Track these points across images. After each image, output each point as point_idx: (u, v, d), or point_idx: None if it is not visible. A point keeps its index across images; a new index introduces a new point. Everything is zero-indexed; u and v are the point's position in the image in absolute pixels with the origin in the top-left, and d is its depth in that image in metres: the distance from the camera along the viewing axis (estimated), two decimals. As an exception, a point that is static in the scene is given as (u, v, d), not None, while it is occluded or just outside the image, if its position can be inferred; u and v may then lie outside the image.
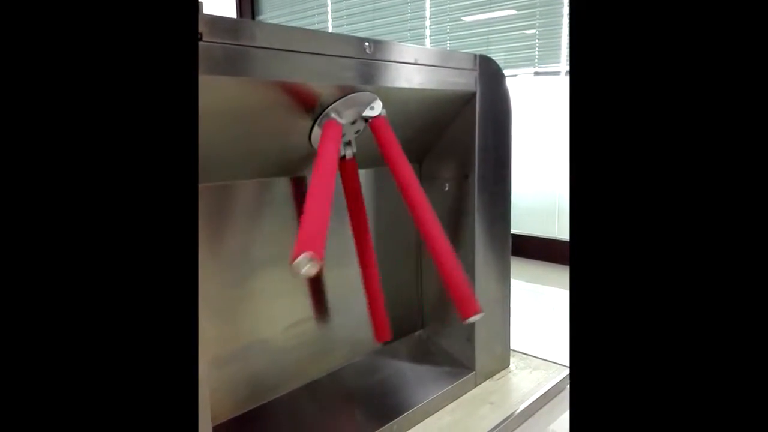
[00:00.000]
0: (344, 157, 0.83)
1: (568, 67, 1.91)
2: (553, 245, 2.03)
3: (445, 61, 0.87)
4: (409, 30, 2.34)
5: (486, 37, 2.10)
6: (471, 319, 0.72)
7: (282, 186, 0.86)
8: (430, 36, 2.27)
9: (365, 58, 0.75)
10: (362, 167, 0.97)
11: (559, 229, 2.02)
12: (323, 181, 0.64)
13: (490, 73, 0.95)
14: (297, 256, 0.55)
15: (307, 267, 0.55)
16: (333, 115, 0.75)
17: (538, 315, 1.52)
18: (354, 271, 0.98)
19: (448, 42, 2.22)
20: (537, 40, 1.97)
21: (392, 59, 0.79)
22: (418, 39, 2.31)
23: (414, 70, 0.82)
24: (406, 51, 0.81)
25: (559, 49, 1.92)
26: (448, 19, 2.21)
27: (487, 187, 0.98)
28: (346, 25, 2.59)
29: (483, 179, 0.97)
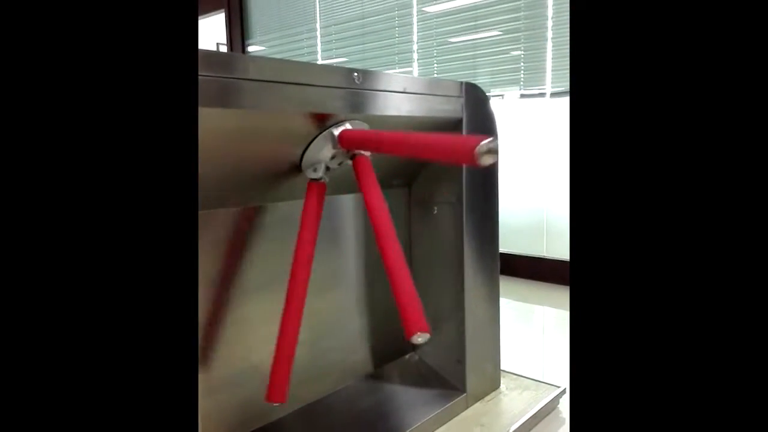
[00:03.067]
0: (319, 179, 0.81)
1: (551, 89, 1.95)
2: (541, 264, 2.06)
3: (433, 89, 0.89)
4: (397, 54, 2.38)
5: (472, 60, 2.14)
6: (416, 338, 0.69)
7: (273, 212, 0.88)
8: (417, 60, 2.31)
9: (355, 88, 0.77)
10: (347, 192, 0.98)
11: (548, 247, 2.04)
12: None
13: (476, 99, 0.98)
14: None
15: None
16: (309, 176, 0.79)
17: (527, 334, 1.54)
18: (343, 295, 0.99)
19: (436, 65, 2.26)
20: (522, 63, 2.02)
21: (381, 88, 0.81)
22: (406, 62, 2.35)
23: (402, 98, 0.84)
24: (394, 80, 0.83)
25: (544, 71, 1.97)
26: (435, 43, 2.25)
27: (476, 210, 1.00)
28: (335, 49, 2.63)
29: (471, 201, 0.99)
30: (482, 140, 0.58)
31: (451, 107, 0.93)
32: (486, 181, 1.02)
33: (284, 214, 0.89)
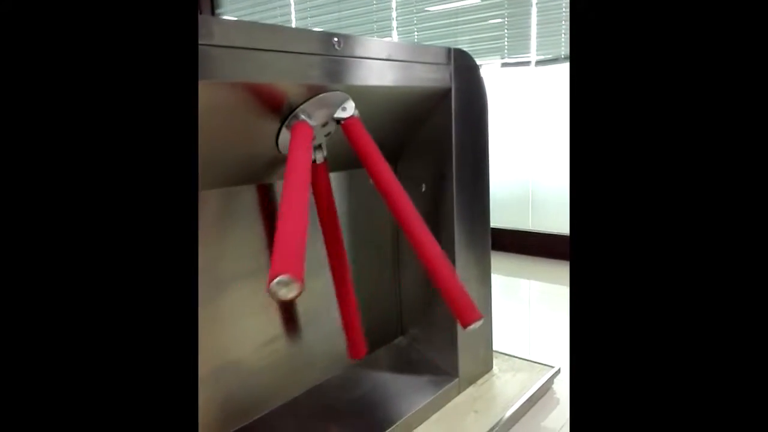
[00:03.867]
0: (315, 161, 0.77)
1: (537, 57, 1.88)
2: (527, 238, 2.02)
3: (419, 56, 0.82)
4: (376, 22, 2.28)
5: (454, 27, 2.06)
6: (472, 327, 0.68)
7: (248, 195, 0.80)
8: (397, 28, 2.22)
9: (335, 55, 0.69)
10: (331, 170, 0.91)
11: (533, 221, 2.01)
12: (297, 192, 0.59)
13: (465, 67, 0.91)
14: (273, 279, 0.49)
15: (284, 290, 0.49)
16: (303, 116, 0.69)
17: (516, 312, 1.50)
18: (326, 281, 0.93)
19: (416, 33, 2.17)
20: (506, 30, 1.94)
21: (363, 55, 0.73)
22: (385, 31, 2.25)
23: (386, 66, 0.77)
24: (378, 46, 0.75)
25: (529, 39, 1.89)
26: (414, 10, 2.16)
27: (466, 187, 0.94)
28: (310, 17, 2.51)
29: (461, 178, 0.93)
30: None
31: (439, 76, 0.86)
32: (476, 157, 0.96)
33: (259, 197, 0.82)
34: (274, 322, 0.87)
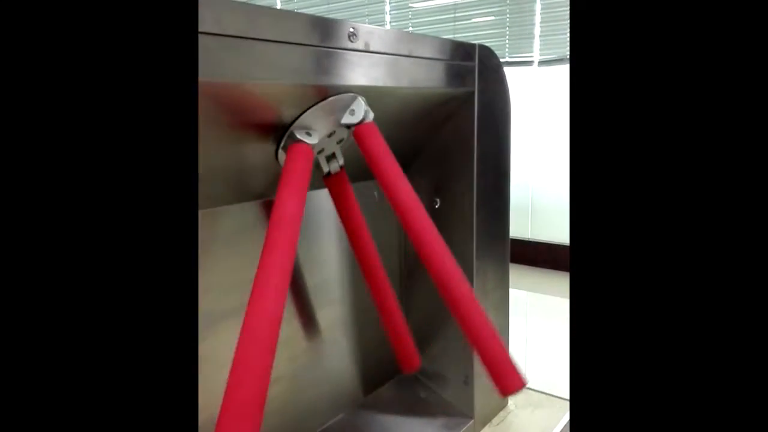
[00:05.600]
0: (329, 173, 0.65)
1: (540, 57, 1.78)
2: (526, 247, 1.92)
3: (443, 52, 0.70)
4: (368, 16, 2.15)
5: (452, 24, 1.94)
6: (514, 395, 0.57)
7: (241, 214, 0.67)
8: (390, 23, 2.09)
9: (349, 49, 0.57)
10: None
11: (533, 230, 1.91)
12: (273, 282, 0.47)
13: (490, 67, 0.79)
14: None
15: None
16: (299, 136, 0.56)
17: (523, 330, 1.40)
18: (324, 315, 0.80)
19: (411, 29, 2.05)
20: (507, 28, 1.83)
21: (382, 50, 0.61)
22: (377, 24, 2.12)
23: (407, 64, 0.65)
24: (399, 39, 0.63)
25: (532, 37, 1.79)
26: (409, 3, 2.03)
27: (487, 204, 0.83)
28: (295, 2, 2.36)
29: (483, 194, 0.81)
30: None
31: (463, 76, 0.74)
32: (498, 170, 0.85)
33: (253, 217, 0.69)
34: (275, 361, 0.73)
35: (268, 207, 0.70)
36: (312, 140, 0.57)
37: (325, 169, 0.64)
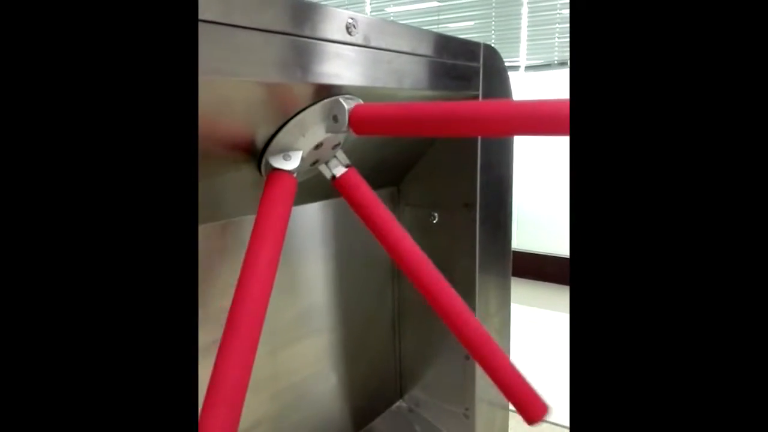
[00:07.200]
0: (334, 177, 0.56)
1: (527, 62, 1.73)
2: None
3: (447, 50, 0.62)
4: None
5: (436, 26, 1.87)
6: (540, 423, 0.51)
7: (222, 235, 0.58)
8: (371, 13, 2.02)
9: (349, 43, 0.49)
10: (312, 200, 0.70)
11: (519, 240, 1.85)
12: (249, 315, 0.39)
13: (495, 69, 0.72)
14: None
15: None
16: (276, 164, 0.48)
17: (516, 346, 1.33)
18: (311, 344, 0.72)
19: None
20: (493, 32, 1.77)
21: (384, 46, 0.53)
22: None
23: (411, 63, 0.57)
24: (401, 35, 0.55)
25: (518, 41, 1.74)
26: (392, 4, 1.96)
27: (489, 218, 0.75)
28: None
29: (485, 208, 0.74)
30: None
31: (468, 78, 0.67)
32: (502, 181, 0.78)
33: (234, 233, 0.60)
34: (256, 402, 0.64)
35: (238, 225, 0.61)
36: (291, 165, 0.48)
37: (329, 174, 0.56)
